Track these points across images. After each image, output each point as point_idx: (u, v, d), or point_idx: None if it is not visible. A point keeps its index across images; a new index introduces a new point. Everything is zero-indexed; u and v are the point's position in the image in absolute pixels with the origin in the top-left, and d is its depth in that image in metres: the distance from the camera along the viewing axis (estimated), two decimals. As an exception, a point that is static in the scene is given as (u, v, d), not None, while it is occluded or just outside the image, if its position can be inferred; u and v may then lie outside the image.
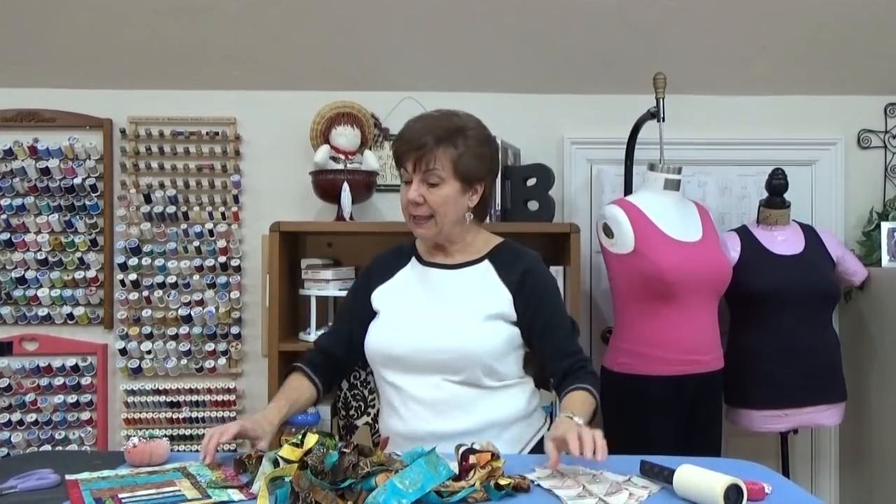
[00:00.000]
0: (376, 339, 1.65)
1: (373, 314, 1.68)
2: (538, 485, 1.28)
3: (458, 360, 1.55)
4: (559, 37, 2.59)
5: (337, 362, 1.73)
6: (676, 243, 2.27)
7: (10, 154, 2.69)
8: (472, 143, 1.59)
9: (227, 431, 1.42)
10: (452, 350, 1.55)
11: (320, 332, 2.06)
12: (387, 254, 1.78)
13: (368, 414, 1.88)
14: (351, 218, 2.49)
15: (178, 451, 2.25)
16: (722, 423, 2.43)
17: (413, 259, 1.72)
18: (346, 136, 2.60)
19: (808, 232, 2.57)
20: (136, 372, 2.73)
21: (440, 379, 1.56)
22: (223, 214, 2.74)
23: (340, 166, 2.56)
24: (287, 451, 1.24)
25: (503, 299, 1.61)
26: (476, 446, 1.30)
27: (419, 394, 1.57)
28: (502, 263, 1.65)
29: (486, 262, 1.66)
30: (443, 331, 1.57)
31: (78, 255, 2.72)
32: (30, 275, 2.70)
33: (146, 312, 2.72)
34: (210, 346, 2.74)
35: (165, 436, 2.45)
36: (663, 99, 2.45)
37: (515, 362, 1.64)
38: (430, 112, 1.66)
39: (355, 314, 1.72)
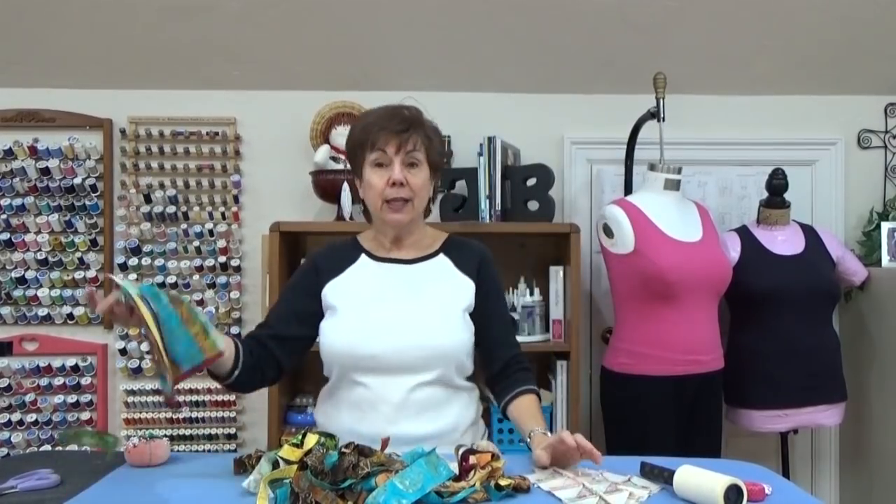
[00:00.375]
0: (342, 337, 1.54)
1: (321, 313, 1.60)
2: (538, 486, 1.28)
3: (435, 358, 1.52)
4: (559, 37, 2.59)
5: (274, 359, 1.57)
6: (676, 243, 2.27)
7: (10, 154, 2.69)
8: (432, 135, 1.60)
9: (107, 300, 1.32)
10: (430, 348, 1.52)
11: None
12: (329, 249, 1.68)
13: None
14: (351, 218, 2.49)
15: (178, 450, 2.26)
16: (722, 423, 2.42)
17: (363, 255, 1.64)
18: (345, 135, 2.59)
19: (809, 232, 2.57)
20: (136, 372, 2.73)
21: (413, 378, 1.51)
22: (223, 214, 2.74)
23: (340, 166, 2.56)
24: (287, 452, 1.23)
25: (468, 290, 1.60)
26: (476, 447, 1.30)
27: (391, 395, 1.51)
28: (457, 255, 1.64)
29: (442, 256, 1.64)
30: (419, 328, 1.53)
31: (78, 255, 2.72)
32: (30, 275, 2.70)
33: (146, 312, 2.72)
34: (210, 346, 2.73)
35: (165, 436, 2.45)
36: (663, 99, 2.45)
37: (471, 357, 1.62)
38: (381, 106, 1.63)
39: (300, 314, 1.60)
